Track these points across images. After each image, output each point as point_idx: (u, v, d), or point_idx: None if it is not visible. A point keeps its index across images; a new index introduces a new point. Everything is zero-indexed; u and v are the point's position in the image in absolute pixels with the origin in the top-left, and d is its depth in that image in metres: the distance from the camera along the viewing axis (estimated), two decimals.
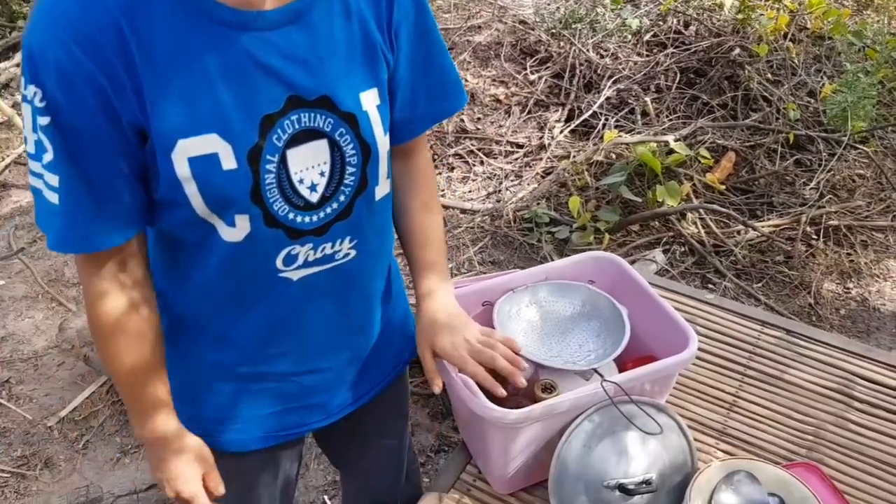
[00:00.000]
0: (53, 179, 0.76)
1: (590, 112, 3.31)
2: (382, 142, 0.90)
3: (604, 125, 3.24)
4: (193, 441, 0.96)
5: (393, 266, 1.10)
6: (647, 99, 3.31)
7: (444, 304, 1.02)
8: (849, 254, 2.67)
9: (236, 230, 0.84)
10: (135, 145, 0.78)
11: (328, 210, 0.89)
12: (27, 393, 2.27)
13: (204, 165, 0.78)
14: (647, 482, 1.05)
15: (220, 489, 0.98)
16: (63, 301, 2.58)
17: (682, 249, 2.71)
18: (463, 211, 2.98)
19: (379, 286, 1.06)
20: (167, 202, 0.82)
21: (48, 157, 0.75)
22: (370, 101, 0.87)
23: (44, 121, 0.74)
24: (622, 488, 1.04)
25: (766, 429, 1.28)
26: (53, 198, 0.77)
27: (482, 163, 3.25)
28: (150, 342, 0.90)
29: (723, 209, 2.72)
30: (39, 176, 0.77)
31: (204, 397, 1.01)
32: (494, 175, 3.18)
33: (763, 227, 2.71)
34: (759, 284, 2.57)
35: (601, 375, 1.09)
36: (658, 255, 2.56)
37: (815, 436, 1.27)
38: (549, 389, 1.12)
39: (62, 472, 2.03)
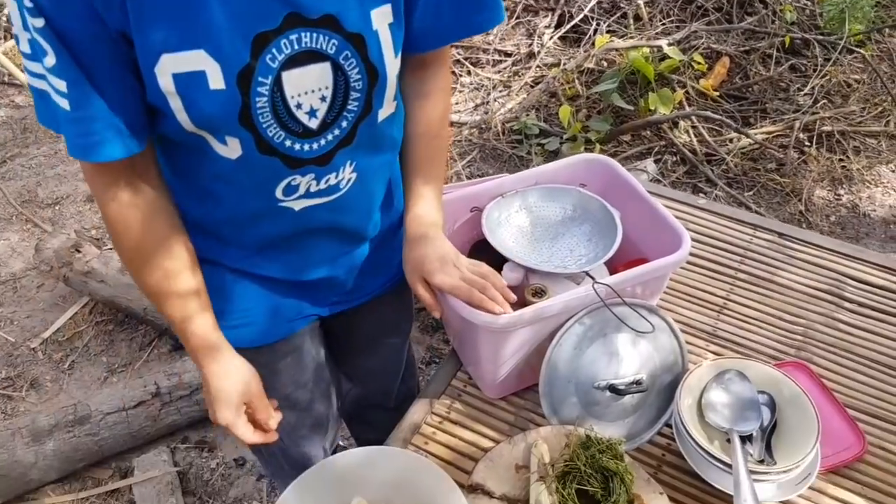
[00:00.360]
0: (60, 84, 0.71)
1: (580, 17, 3.18)
2: (392, 65, 0.83)
3: (595, 30, 3.13)
4: (236, 366, 0.94)
5: (394, 174, 1.06)
6: (640, 2, 3.18)
7: (431, 238, 0.99)
8: (841, 160, 2.64)
9: (229, 149, 0.80)
10: (128, 52, 0.72)
11: (329, 137, 0.83)
12: (8, 315, 2.25)
13: (189, 83, 0.73)
14: (637, 382, 1.05)
15: (272, 423, 0.97)
16: (38, 222, 2.53)
17: (674, 159, 2.67)
18: (450, 124, 2.91)
19: (379, 195, 1.03)
20: (156, 110, 0.77)
21: (50, 60, 0.70)
22: (382, 19, 0.79)
23: (37, 22, 0.68)
24: (612, 389, 1.04)
25: (755, 330, 1.28)
26: (64, 103, 0.72)
27: (469, 73, 3.15)
28: (179, 257, 0.87)
29: (716, 116, 2.66)
30: (42, 77, 0.72)
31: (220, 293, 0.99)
32: (482, 86, 3.08)
33: (756, 134, 2.66)
34: (751, 193, 2.54)
35: (592, 278, 1.07)
36: (649, 164, 2.52)
37: (804, 336, 1.27)
38: (540, 294, 1.11)
39: (48, 392, 2.04)
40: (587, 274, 1.10)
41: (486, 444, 1.10)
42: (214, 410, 0.93)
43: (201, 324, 0.91)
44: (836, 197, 2.54)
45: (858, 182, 2.58)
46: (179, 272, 0.88)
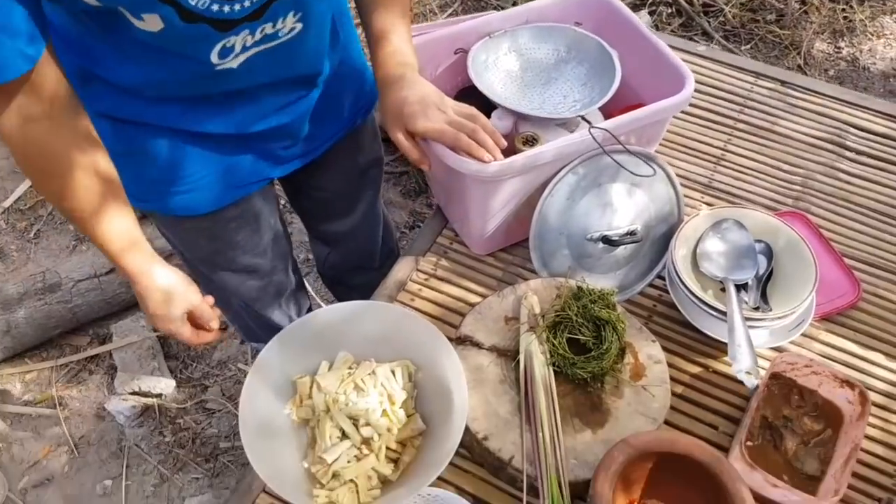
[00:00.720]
0: None
1: None
2: None
3: None
4: (168, 277, 0.88)
5: (339, 8, 0.95)
6: None
7: (409, 79, 0.88)
8: (843, 10, 2.49)
9: (146, 23, 0.69)
10: None
11: None
12: None
13: None
14: (631, 233, 1.00)
15: (214, 324, 0.94)
16: None
17: (669, 10, 2.51)
18: None
19: (326, 37, 0.92)
20: None
21: None
22: None
23: None
24: (606, 240, 1.00)
25: (753, 181, 1.23)
26: None
27: None
28: (95, 171, 0.77)
29: None
30: None
31: (143, 157, 0.90)
32: None
33: None
34: (748, 46, 2.41)
35: (588, 122, 0.99)
36: (644, 15, 2.36)
37: (802, 186, 1.22)
38: (531, 142, 1.03)
39: (15, 261, 1.97)
40: (583, 118, 1.02)
41: (474, 299, 1.07)
42: (156, 324, 0.91)
43: (130, 246, 0.84)
44: (836, 50, 2.42)
45: (860, 34, 2.45)
46: (105, 197, 0.79)
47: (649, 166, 0.99)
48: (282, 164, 1.03)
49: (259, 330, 1.27)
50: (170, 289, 0.88)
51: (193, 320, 0.93)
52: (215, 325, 0.95)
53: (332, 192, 1.21)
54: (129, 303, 1.84)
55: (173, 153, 0.92)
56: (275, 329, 1.23)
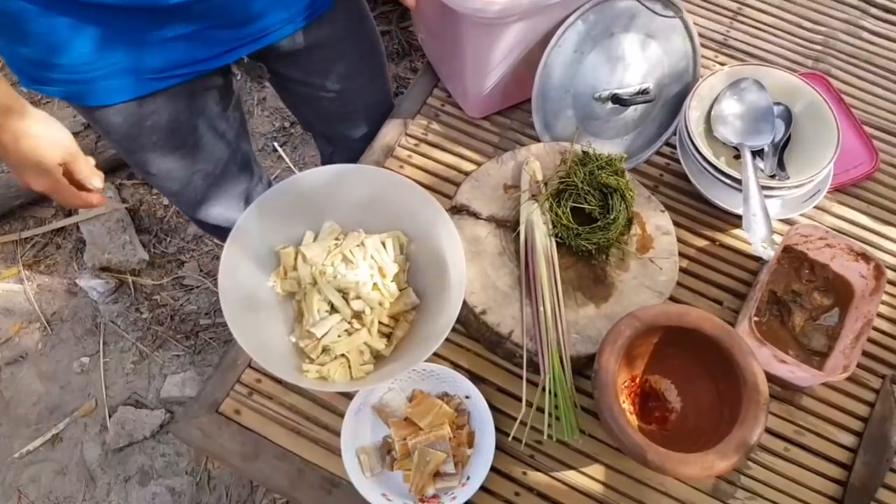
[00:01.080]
0: None
1: None
2: None
3: None
4: (44, 118, 0.73)
5: None
6: None
7: None
8: None
9: None
10: None
11: None
12: None
13: None
14: (643, 91, 0.91)
15: (96, 182, 0.78)
16: None
17: None
18: None
19: None
20: None
21: None
22: None
23: None
24: (616, 99, 0.90)
25: (771, 39, 1.13)
26: None
27: None
28: None
29: None
30: None
31: (51, 38, 0.75)
32: None
33: None
34: None
35: None
36: None
37: (823, 45, 1.12)
38: None
39: None
40: None
41: (469, 167, 0.98)
42: (26, 178, 0.74)
43: None
44: None
45: None
46: None
47: (668, 10, 0.88)
48: (220, 52, 0.86)
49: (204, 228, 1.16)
50: (45, 132, 0.73)
51: (70, 177, 0.77)
52: (98, 183, 0.79)
53: (321, 87, 1.02)
54: None
55: (53, 28, 0.74)
56: (219, 229, 1.08)
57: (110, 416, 1.52)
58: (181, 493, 1.44)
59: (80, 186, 0.78)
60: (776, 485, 0.80)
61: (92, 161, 0.79)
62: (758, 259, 0.93)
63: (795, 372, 0.80)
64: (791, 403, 0.85)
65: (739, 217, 0.94)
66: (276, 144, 1.84)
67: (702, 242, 0.95)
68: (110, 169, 1.75)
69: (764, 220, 0.83)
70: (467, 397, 0.79)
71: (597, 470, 0.80)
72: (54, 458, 1.49)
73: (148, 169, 0.97)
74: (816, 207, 0.96)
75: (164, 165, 0.96)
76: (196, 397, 0.83)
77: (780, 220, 0.95)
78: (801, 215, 0.96)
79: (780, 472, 0.81)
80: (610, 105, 0.91)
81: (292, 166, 1.80)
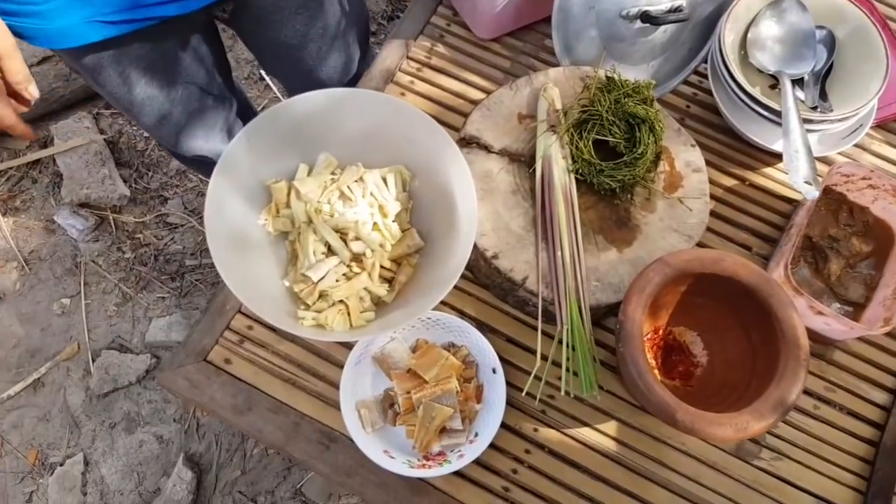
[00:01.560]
0: None
1: None
2: None
3: None
4: None
5: None
6: None
7: None
8: None
9: None
10: None
11: None
12: None
13: None
14: (677, 9, 0.81)
15: (32, 90, 0.64)
16: None
17: None
18: None
19: None
20: None
21: None
22: None
23: None
24: (646, 17, 0.80)
25: None
26: None
27: None
28: None
29: None
30: None
31: None
32: None
33: None
34: None
35: None
36: None
37: None
38: None
39: None
40: None
41: (477, 95, 0.89)
42: None
43: None
44: None
45: None
46: None
47: None
48: None
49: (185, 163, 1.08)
50: None
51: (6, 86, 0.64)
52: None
53: (288, 42, 0.95)
54: (69, 100, 1.61)
55: None
56: (202, 163, 1.03)
57: (94, 361, 1.45)
58: (169, 441, 1.39)
59: (13, 94, 0.64)
60: (804, 444, 0.75)
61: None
62: (790, 201, 0.85)
63: (832, 324, 0.74)
64: (822, 358, 0.79)
65: (772, 154, 0.86)
66: (262, 72, 1.72)
67: (730, 182, 0.87)
68: (86, 97, 1.64)
69: (806, 155, 0.75)
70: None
71: (612, 427, 0.74)
72: (37, 404, 1.43)
73: (121, 104, 0.89)
74: (856, 145, 0.88)
75: (137, 99, 0.88)
76: (183, 344, 0.76)
77: (816, 158, 0.87)
78: (839, 154, 0.88)
79: (809, 432, 0.76)
80: (638, 24, 0.82)
81: (280, 95, 1.69)
